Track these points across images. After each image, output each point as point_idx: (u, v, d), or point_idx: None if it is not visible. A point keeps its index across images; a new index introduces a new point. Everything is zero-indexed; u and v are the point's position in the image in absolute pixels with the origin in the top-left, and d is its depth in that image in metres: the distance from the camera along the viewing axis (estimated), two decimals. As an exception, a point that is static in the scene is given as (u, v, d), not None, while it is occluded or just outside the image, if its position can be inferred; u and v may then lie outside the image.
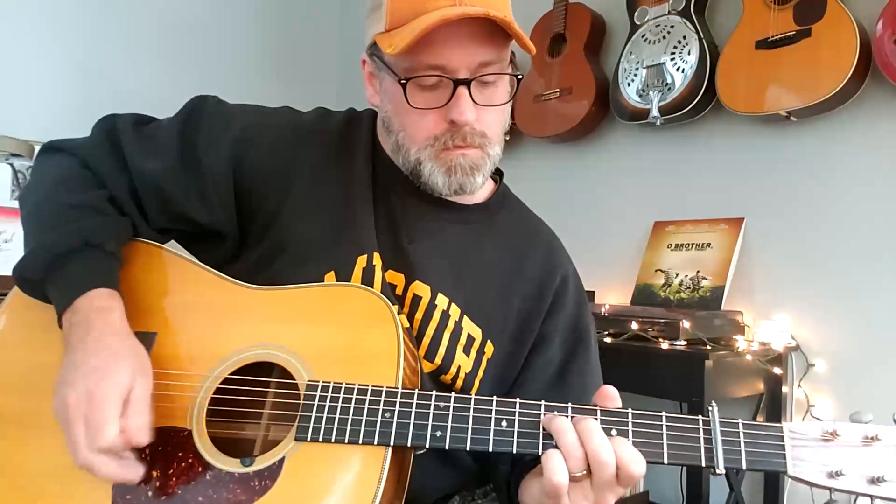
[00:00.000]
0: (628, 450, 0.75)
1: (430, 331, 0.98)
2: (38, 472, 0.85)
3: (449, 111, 0.92)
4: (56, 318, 0.88)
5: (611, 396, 0.81)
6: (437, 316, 0.99)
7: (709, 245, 2.22)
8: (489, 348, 1.02)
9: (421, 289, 0.99)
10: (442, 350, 0.98)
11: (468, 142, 0.94)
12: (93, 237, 0.90)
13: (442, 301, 1.00)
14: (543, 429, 0.78)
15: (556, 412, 0.79)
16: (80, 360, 0.81)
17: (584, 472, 0.75)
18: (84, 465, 0.78)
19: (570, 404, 0.79)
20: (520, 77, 0.99)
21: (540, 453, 0.77)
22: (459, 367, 0.99)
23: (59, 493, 0.83)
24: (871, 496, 0.73)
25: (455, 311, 1.00)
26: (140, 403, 0.81)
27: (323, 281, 0.95)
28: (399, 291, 0.99)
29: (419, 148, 0.95)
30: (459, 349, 0.99)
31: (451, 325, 1.00)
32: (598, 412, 0.78)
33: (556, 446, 0.76)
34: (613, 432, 0.77)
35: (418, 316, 0.99)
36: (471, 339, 1.01)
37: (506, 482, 0.99)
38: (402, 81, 0.91)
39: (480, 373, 1.01)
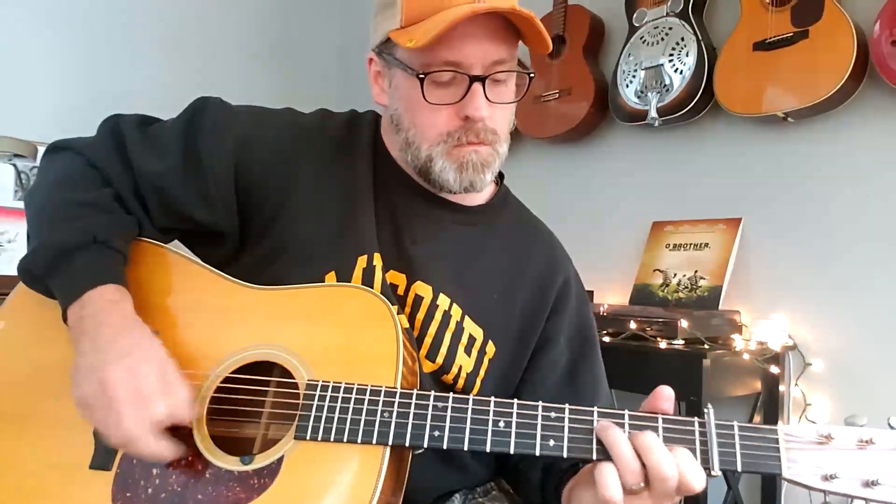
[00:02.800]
0: (689, 463, 0.74)
1: (431, 331, 0.99)
2: (40, 469, 0.85)
3: (464, 107, 0.93)
4: (59, 314, 0.89)
5: (668, 397, 0.80)
6: (438, 316, 1.00)
7: (707, 245, 2.22)
8: (490, 348, 1.03)
9: (423, 289, 1.00)
10: (444, 350, 0.99)
11: (481, 138, 0.95)
12: (100, 234, 0.91)
13: (443, 301, 1.00)
14: (596, 438, 0.77)
15: (610, 420, 0.78)
16: (105, 346, 0.82)
17: (642, 486, 0.74)
18: (130, 438, 0.78)
19: (567, 406, 0.79)
20: (532, 75, 0.99)
21: (538, 453, 0.78)
22: (461, 367, 1.00)
23: (60, 490, 0.84)
24: (865, 499, 0.72)
25: (456, 312, 1.01)
26: (179, 379, 0.83)
27: (324, 281, 0.96)
28: (401, 291, 1.00)
29: (431, 144, 0.96)
30: (461, 349, 1.00)
31: (452, 325, 1.00)
32: (596, 413, 0.79)
33: (560, 451, 0.77)
34: None
35: (420, 316, 0.99)
36: (472, 339, 1.01)
37: (539, 489, 0.99)
38: (421, 76, 0.92)
39: (482, 373, 1.02)
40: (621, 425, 0.78)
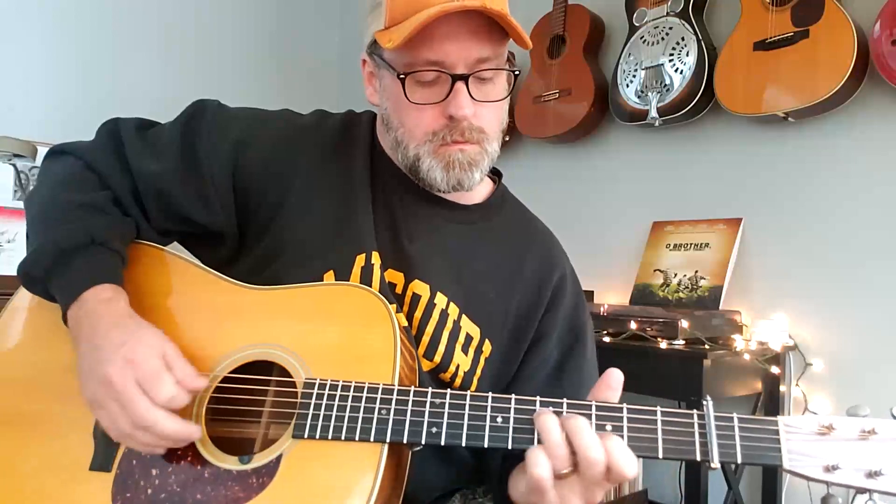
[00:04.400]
0: (620, 449, 0.74)
1: (429, 329, 0.99)
2: (40, 470, 0.85)
3: (447, 106, 0.93)
4: (60, 315, 0.89)
5: (610, 384, 0.80)
6: (436, 314, 1.00)
7: (707, 245, 2.22)
8: (487, 347, 1.03)
9: (420, 287, 1.00)
10: (441, 348, 0.99)
11: (466, 137, 0.95)
12: (98, 235, 0.91)
13: (441, 300, 1.00)
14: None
15: (550, 408, 0.79)
16: (101, 342, 0.83)
17: (570, 469, 0.75)
18: (148, 423, 0.79)
19: (565, 400, 0.79)
20: (517, 73, 0.99)
21: None
22: (458, 365, 1.00)
23: (61, 491, 0.84)
24: (868, 490, 0.71)
25: (454, 310, 1.01)
26: (178, 357, 0.84)
27: (322, 280, 0.96)
28: (399, 290, 1.00)
29: (418, 143, 0.96)
30: (458, 348, 1.00)
31: (449, 323, 1.00)
32: (594, 407, 0.78)
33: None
34: (608, 427, 0.77)
35: (417, 314, 0.99)
36: (469, 337, 1.01)
37: (498, 477, 0.99)
38: (402, 76, 0.92)
39: (479, 371, 1.02)
40: (619, 419, 0.77)
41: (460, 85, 0.92)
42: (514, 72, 0.99)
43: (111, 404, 0.80)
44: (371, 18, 0.97)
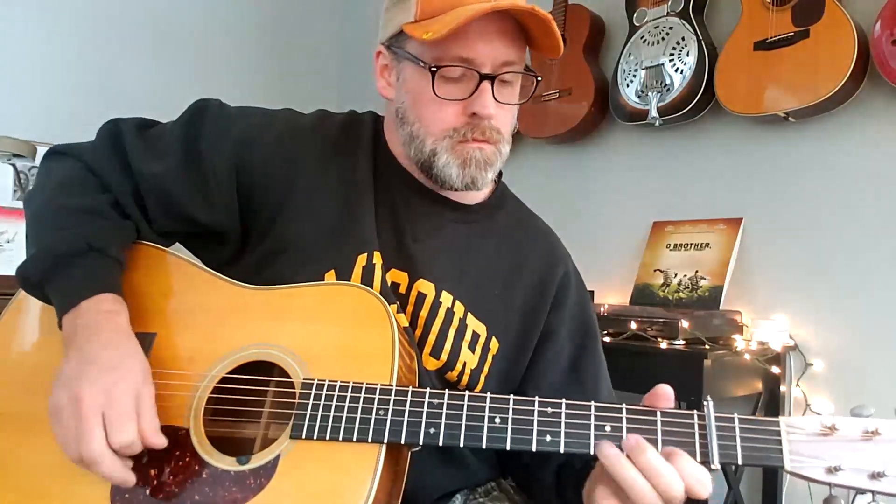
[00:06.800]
0: (695, 473, 0.73)
1: (435, 328, 0.99)
2: (39, 470, 0.85)
3: (472, 104, 0.94)
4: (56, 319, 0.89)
5: (666, 396, 0.79)
6: (441, 313, 1.00)
7: (707, 245, 2.22)
8: (494, 344, 1.03)
9: (425, 286, 1.00)
10: (447, 347, 0.99)
11: (486, 136, 0.96)
12: (96, 241, 0.91)
13: (446, 298, 1.01)
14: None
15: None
16: (91, 358, 0.81)
17: None
18: (92, 459, 0.77)
19: (563, 401, 0.79)
20: (539, 78, 1.00)
21: (534, 449, 0.77)
22: (465, 363, 1.00)
23: (59, 491, 0.84)
24: (871, 492, 0.71)
25: (459, 308, 1.01)
26: (152, 406, 0.82)
27: (323, 280, 0.96)
28: (403, 290, 1.00)
29: (436, 139, 0.97)
30: (465, 346, 1.00)
31: (455, 321, 1.00)
32: (593, 408, 0.78)
33: (557, 447, 0.77)
34: (608, 428, 0.77)
35: (423, 313, 0.99)
36: (475, 335, 1.02)
37: (554, 490, 0.99)
38: (433, 69, 0.93)
39: (486, 368, 1.02)
40: (619, 420, 0.77)
41: (486, 84, 0.93)
42: (537, 77, 0.99)
43: (70, 422, 0.78)
44: (396, 11, 0.97)
